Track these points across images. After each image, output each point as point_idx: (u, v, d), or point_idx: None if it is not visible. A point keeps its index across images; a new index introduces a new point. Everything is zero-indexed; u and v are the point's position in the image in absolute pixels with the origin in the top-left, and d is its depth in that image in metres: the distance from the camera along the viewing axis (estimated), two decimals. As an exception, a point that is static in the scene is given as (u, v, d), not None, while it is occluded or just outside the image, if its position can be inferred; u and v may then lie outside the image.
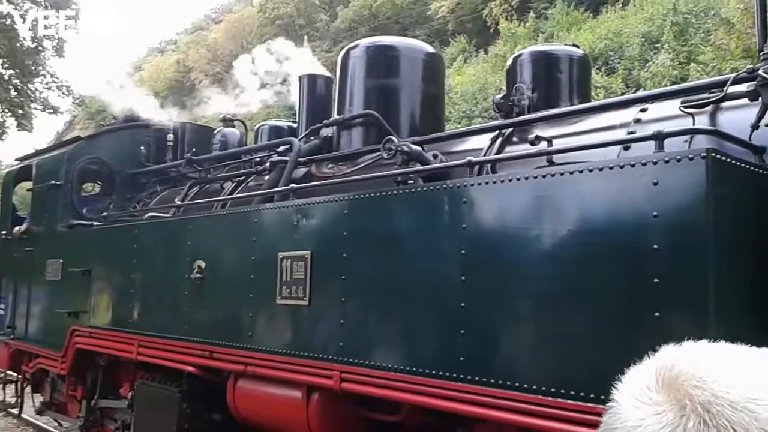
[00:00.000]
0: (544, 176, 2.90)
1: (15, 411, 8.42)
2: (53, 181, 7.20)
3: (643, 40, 21.08)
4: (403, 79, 5.19)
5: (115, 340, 5.76)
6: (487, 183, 3.16)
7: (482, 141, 4.30)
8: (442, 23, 40.99)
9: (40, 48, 24.09)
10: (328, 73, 6.69)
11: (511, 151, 3.98)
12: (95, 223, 6.78)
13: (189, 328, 4.90)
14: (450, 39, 37.81)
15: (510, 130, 4.16)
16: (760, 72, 2.73)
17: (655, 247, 2.47)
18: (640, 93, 3.94)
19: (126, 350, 5.58)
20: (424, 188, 3.47)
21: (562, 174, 2.82)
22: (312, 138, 5.56)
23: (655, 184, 2.49)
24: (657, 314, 2.45)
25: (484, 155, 4.06)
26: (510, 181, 3.02)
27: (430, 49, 5.53)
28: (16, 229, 7.88)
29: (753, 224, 2.57)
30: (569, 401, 2.69)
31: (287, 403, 4.09)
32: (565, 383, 2.72)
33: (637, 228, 2.54)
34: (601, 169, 2.68)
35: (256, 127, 7.24)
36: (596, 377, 2.62)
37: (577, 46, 4.64)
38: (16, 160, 9.23)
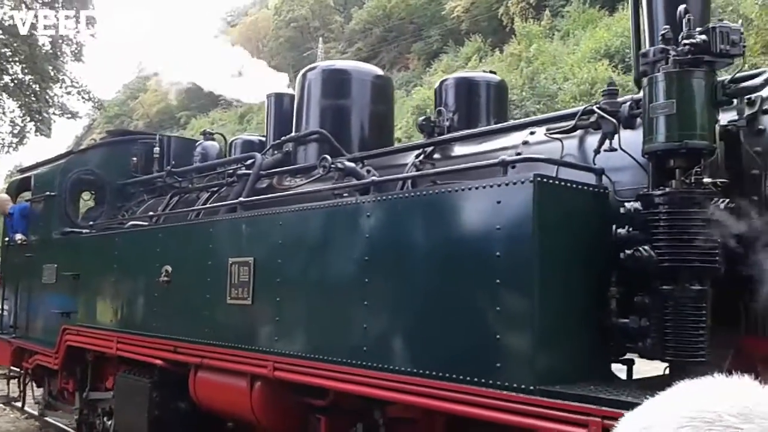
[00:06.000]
0: (424, 194, 3.43)
1: (18, 404, 9.07)
2: (49, 192, 7.81)
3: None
4: (353, 99, 5.74)
5: (98, 337, 6.36)
6: (383, 199, 3.69)
7: (411, 157, 4.84)
8: (457, 23, 41.08)
9: (58, 53, 24.54)
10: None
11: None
12: (84, 230, 7.39)
13: (158, 325, 5.49)
14: (465, 38, 37.93)
15: (431, 148, 4.69)
16: (595, 108, 3.24)
17: (498, 254, 2.99)
18: (533, 117, 4.47)
19: (108, 346, 6.18)
20: (337, 204, 4.03)
21: (435, 193, 3.35)
22: (276, 152, 6.13)
23: (499, 203, 3.02)
24: (498, 309, 2.98)
25: (407, 171, 4.61)
26: (398, 198, 3.57)
27: (379, 72, 6.10)
28: (18, 236, 8.51)
29: (577, 236, 3.08)
30: (453, 383, 3.17)
31: (235, 390, 4.65)
32: (448, 367, 3.22)
33: (486, 238, 3.07)
34: (462, 190, 3.21)
35: (230, 141, 7.81)
36: (467, 361, 3.14)
37: (494, 73, 5.16)
38: (17, 171, 9.88)
